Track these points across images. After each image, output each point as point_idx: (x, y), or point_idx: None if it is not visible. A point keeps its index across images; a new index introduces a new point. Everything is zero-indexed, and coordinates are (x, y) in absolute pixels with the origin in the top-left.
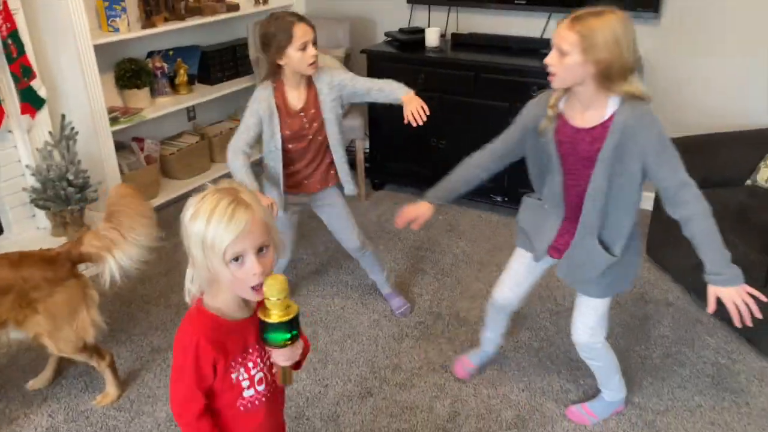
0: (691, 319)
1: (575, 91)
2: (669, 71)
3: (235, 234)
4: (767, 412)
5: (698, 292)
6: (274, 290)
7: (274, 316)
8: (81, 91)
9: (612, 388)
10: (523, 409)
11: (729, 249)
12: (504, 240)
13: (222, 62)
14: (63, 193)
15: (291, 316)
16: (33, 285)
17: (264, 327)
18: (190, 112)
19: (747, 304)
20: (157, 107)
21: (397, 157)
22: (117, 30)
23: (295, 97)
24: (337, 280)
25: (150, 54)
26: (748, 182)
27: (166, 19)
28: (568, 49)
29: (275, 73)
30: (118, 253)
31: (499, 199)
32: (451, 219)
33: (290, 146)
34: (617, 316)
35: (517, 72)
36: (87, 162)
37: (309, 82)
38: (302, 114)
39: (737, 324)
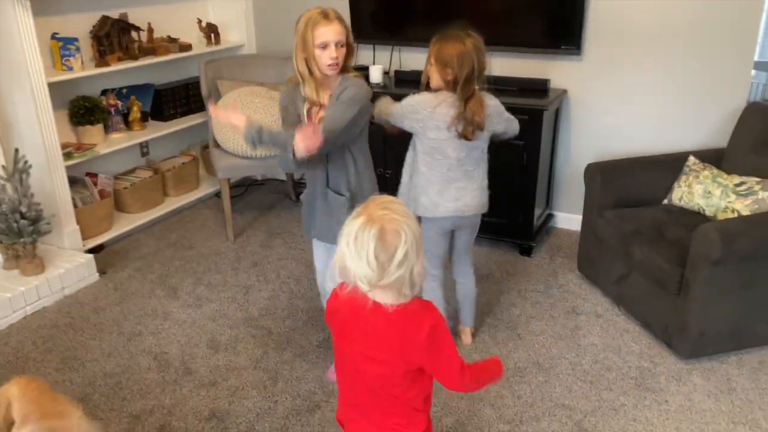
0: (618, 329)
1: None
2: (592, 103)
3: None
4: (684, 408)
5: (625, 304)
6: None
7: None
8: (35, 127)
9: None
10: (462, 414)
11: (644, 260)
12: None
13: (175, 99)
14: (16, 226)
15: None
16: None
17: None
18: (144, 148)
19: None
20: (111, 143)
21: None
22: (71, 69)
23: None
24: (288, 305)
25: (104, 92)
26: (665, 201)
27: (119, 59)
28: None
29: None
30: None
31: None
32: None
33: None
34: (550, 327)
35: None
36: (40, 196)
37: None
38: None
39: None
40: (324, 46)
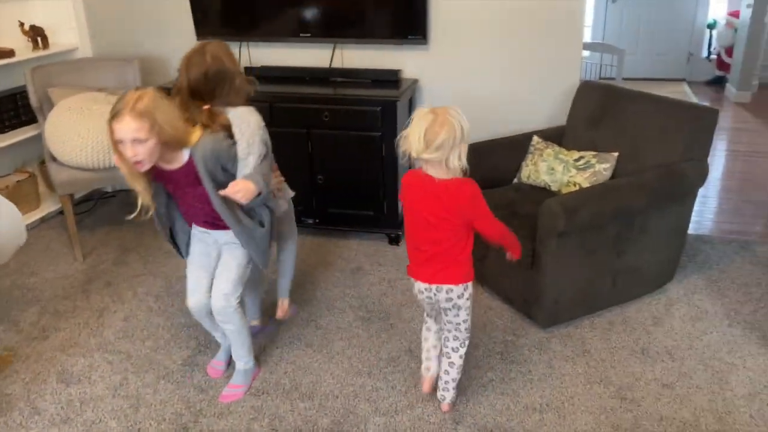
0: (483, 306)
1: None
2: (441, 91)
3: None
4: (546, 375)
5: (488, 282)
6: None
7: None
8: None
9: (243, 357)
10: (338, 413)
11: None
12: (319, 258)
13: (1, 112)
14: None
15: None
16: None
17: None
18: None
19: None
20: None
21: None
22: None
23: None
24: (147, 324)
25: None
26: (515, 181)
27: None
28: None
29: None
30: None
31: (310, 221)
32: None
33: None
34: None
35: (310, 100)
36: None
37: None
38: None
39: None
40: (120, 142)
